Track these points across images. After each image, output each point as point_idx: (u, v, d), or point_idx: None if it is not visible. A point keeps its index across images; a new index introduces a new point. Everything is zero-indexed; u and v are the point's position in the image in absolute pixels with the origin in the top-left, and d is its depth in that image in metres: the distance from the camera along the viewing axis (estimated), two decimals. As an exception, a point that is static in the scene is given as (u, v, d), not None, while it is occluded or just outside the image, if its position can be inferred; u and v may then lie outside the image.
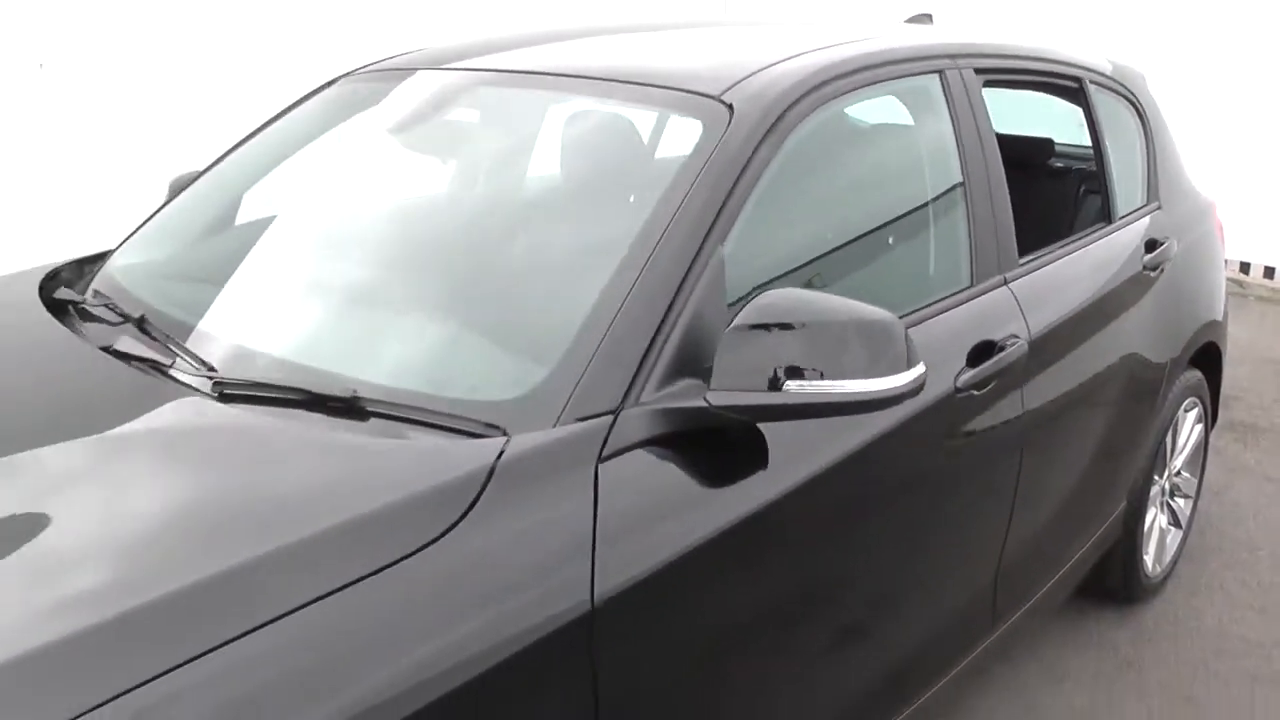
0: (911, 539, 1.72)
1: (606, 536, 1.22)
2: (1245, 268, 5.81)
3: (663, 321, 1.36)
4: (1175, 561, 2.88)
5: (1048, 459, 2.07)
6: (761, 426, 1.37)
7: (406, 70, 2.10)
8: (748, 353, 1.30)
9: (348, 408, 1.33)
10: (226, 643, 1.00)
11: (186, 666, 0.97)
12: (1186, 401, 2.68)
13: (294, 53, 4.04)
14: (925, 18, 3.08)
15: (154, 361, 1.50)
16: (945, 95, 1.96)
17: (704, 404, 1.30)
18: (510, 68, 1.96)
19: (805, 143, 1.66)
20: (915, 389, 1.33)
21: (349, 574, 1.07)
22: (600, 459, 1.25)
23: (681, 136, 1.63)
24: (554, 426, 1.26)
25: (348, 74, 2.24)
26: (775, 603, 1.45)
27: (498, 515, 1.17)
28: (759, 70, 1.67)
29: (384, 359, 1.50)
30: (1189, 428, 2.78)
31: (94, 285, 1.83)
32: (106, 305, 1.69)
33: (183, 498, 1.24)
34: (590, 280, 1.43)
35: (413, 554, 1.10)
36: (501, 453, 1.21)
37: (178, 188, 2.25)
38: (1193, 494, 2.92)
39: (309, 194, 2.02)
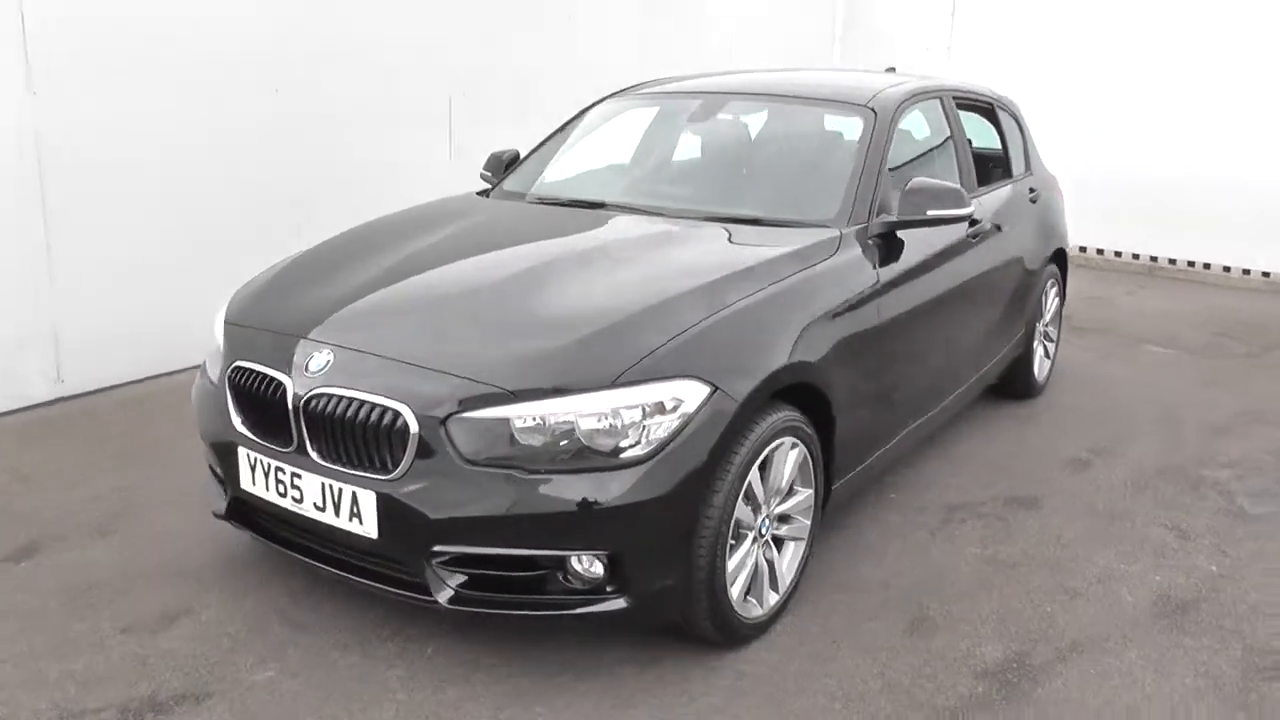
0: (947, 301, 3.89)
1: (878, 259, 3.34)
2: (1118, 253, 8.46)
3: (874, 192, 3.51)
4: (1048, 378, 5.25)
5: (994, 281, 4.29)
6: (900, 234, 3.51)
7: (665, 89, 4.25)
8: (909, 201, 3.46)
9: (751, 222, 3.41)
10: (772, 283, 3.02)
11: (750, 297, 2.95)
12: (1050, 280, 5.06)
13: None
14: (892, 69, 5.42)
15: (636, 208, 3.56)
16: (943, 110, 4.24)
17: (894, 220, 3.45)
18: (742, 90, 4.13)
19: (901, 127, 3.86)
20: (971, 214, 3.51)
21: (808, 262, 3.14)
22: (865, 237, 3.38)
23: (850, 123, 3.81)
24: (846, 227, 3.38)
25: (619, 91, 4.35)
26: (912, 306, 3.57)
27: (844, 251, 3.27)
28: (879, 92, 3.88)
29: (780, 206, 3.57)
30: (1052, 298, 5.16)
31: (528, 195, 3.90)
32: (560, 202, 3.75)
33: (714, 248, 3.25)
34: (840, 178, 3.56)
35: (823, 261, 3.18)
36: (841, 232, 3.32)
37: (496, 161, 4.27)
38: (1056, 339, 5.31)
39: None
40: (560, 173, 4.10)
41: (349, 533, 2.62)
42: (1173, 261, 8.14)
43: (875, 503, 3.86)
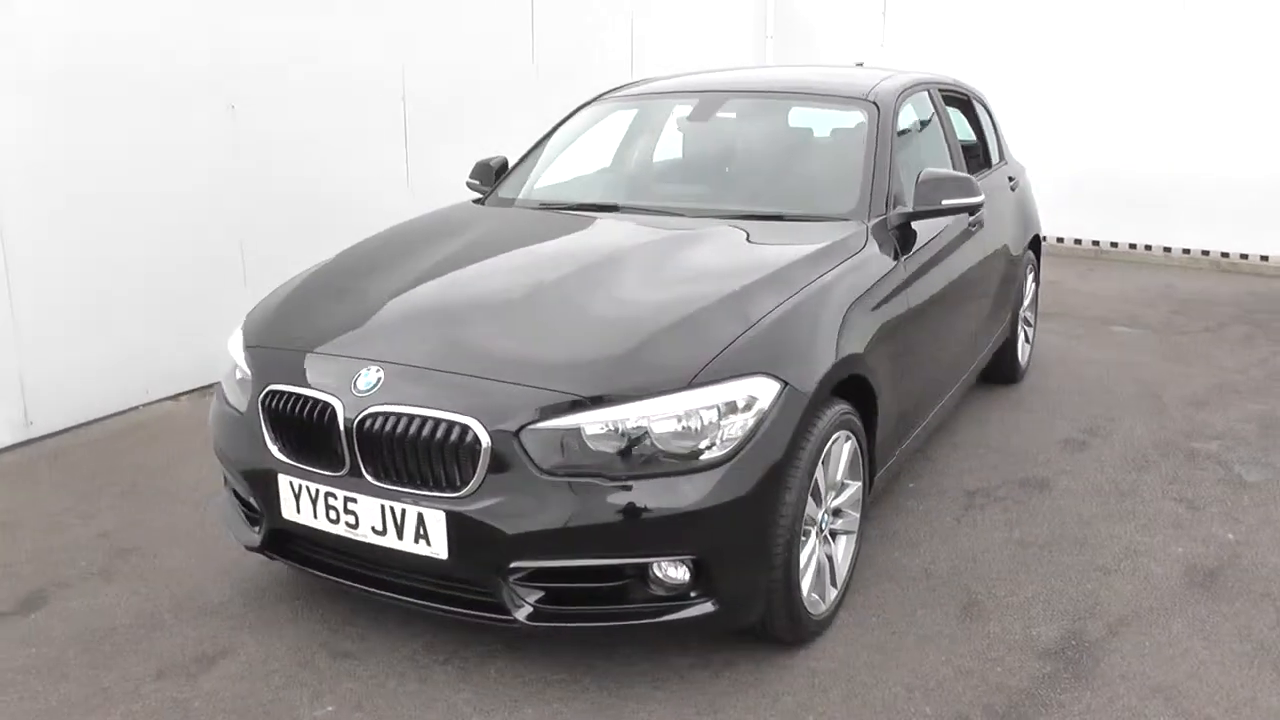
0: (955, 289, 3.97)
1: (898, 250, 3.40)
2: (1061, 239, 8.73)
3: (888, 184, 3.57)
4: (1029, 362, 5.42)
5: (989, 268, 4.42)
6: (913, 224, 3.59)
7: (655, 89, 4.27)
8: (924, 191, 3.53)
9: (773, 218, 3.45)
10: (819, 278, 3.05)
11: (792, 296, 2.98)
12: (1028, 266, 5.22)
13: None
14: (860, 64, 5.53)
15: (653, 209, 3.58)
16: (931, 100, 4.34)
17: (910, 210, 3.52)
18: (737, 87, 4.16)
19: (900, 116, 3.95)
20: (981, 202, 3.60)
21: (845, 255, 3.17)
22: (886, 229, 3.43)
23: (852, 116, 3.88)
24: (868, 219, 3.43)
25: (608, 93, 4.34)
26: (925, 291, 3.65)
27: (871, 243, 3.32)
28: (876, 85, 3.95)
29: (798, 201, 3.62)
30: (1029, 284, 5.32)
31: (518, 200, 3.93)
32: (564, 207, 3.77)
33: (740, 243, 3.28)
34: (853, 171, 3.61)
35: (856, 254, 3.21)
36: (866, 225, 3.37)
37: (484, 169, 4.22)
38: (1033, 324, 5.48)
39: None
40: (561, 177, 4.07)
41: (415, 555, 2.55)
42: (1115, 245, 8.47)
43: (896, 492, 3.92)
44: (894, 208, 3.54)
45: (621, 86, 4.50)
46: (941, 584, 3.26)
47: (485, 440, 2.44)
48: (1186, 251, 8.17)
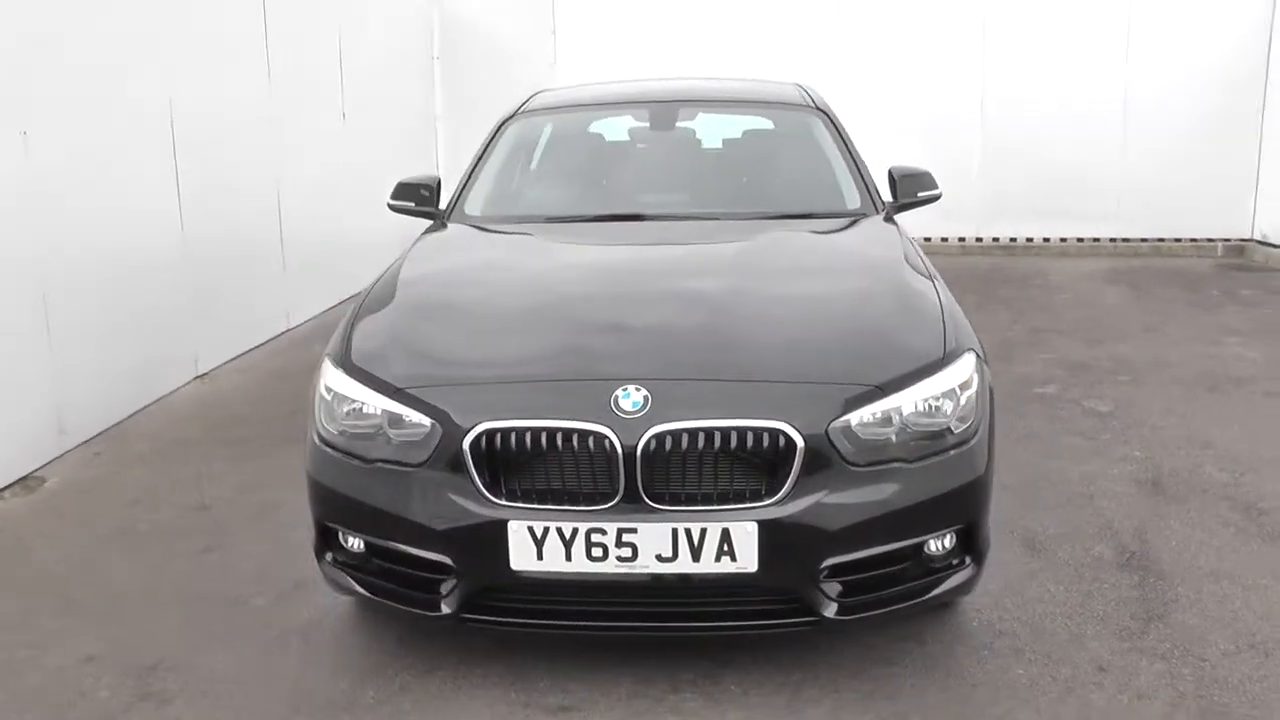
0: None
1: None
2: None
3: (870, 181, 4.02)
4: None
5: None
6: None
7: (587, 100, 4.34)
8: (904, 185, 4.02)
9: (805, 216, 3.75)
10: (923, 264, 3.38)
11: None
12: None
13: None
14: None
15: (691, 215, 3.77)
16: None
17: (898, 203, 4.00)
18: (692, 96, 4.35)
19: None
20: (941, 194, 4.19)
21: (908, 249, 3.52)
22: (883, 217, 3.87)
23: (807, 121, 4.26)
24: (875, 213, 3.85)
25: (533, 106, 4.32)
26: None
27: (864, 222, 3.75)
28: (809, 93, 4.39)
29: (813, 201, 3.91)
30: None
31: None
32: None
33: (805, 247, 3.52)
34: (838, 172, 4.01)
35: (908, 246, 3.58)
36: (883, 218, 3.78)
37: (424, 191, 4.04)
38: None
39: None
40: (541, 192, 4.02)
41: (713, 575, 2.51)
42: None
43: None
44: (880, 207, 4.00)
45: (542, 95, 4.47)
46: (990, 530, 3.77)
47: (800, 442, 2.49)
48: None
